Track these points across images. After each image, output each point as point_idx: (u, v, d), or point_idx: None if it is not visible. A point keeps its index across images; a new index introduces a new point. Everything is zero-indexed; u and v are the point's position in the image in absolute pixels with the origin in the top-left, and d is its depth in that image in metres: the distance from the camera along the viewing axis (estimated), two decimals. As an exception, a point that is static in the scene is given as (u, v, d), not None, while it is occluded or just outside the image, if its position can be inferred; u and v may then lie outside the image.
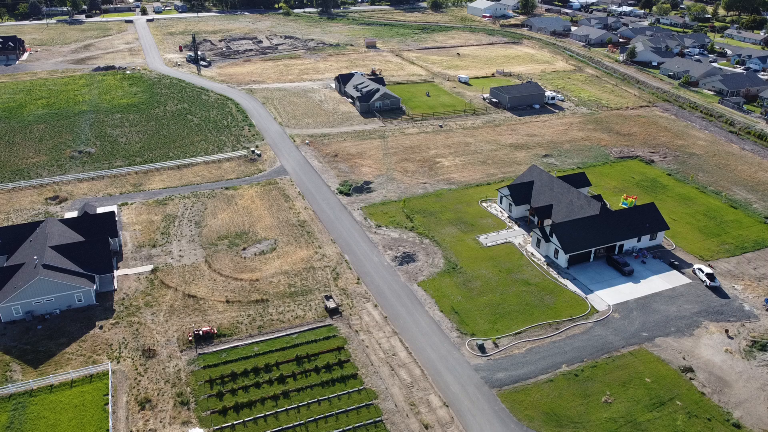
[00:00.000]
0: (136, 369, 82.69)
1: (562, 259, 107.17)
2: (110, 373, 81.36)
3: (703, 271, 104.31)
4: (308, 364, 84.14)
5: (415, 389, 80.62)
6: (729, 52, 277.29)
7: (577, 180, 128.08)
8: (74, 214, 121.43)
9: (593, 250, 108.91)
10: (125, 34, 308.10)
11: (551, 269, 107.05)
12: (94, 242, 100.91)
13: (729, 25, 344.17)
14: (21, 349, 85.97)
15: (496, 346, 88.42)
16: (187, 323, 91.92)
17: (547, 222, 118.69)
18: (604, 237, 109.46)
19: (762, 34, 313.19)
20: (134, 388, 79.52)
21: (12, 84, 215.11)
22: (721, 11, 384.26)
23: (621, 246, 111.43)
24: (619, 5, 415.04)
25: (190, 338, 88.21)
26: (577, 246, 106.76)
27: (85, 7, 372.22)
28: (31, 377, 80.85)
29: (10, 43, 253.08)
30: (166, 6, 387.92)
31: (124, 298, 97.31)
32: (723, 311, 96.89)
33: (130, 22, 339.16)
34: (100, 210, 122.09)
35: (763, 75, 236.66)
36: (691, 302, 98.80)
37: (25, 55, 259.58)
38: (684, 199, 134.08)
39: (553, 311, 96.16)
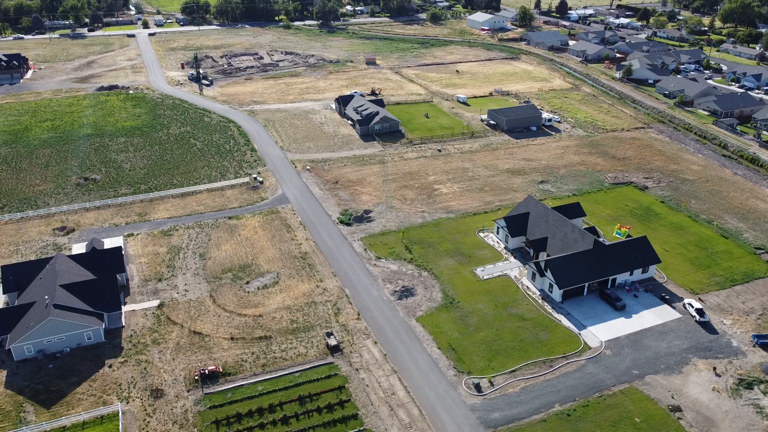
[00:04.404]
0: (145, 410, 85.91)
1: (557, 293, 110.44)
2: (120, 414, 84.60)
3: (693, 306, 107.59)
4: (310, 404, 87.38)
5: (413, 430, 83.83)
6: (724, 68, 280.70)
7: (572, 210, 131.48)
8: (82, 246, 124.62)
9: (587, 284, 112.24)
10: (127, 49, 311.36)
11: (546, 303, 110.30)
12: (103, 280, 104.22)
13: (725, 38, 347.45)
14: (33, 389, 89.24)
15: (492, 384, 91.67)
16: (194, 361, 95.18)
17: (543, 255, 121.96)
18: (598, 271, 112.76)
19: (757, 48, 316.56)
20: (143, 429, 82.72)
21: (17, 105, 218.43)
22: (718, 23, 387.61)
23: (614, 280, 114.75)
24: (617, 17, 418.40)
25: (196, 377, 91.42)
26: (570, 281, 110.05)
27: (87, 20, 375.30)
28: (44, 419, 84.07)
29: (14, 62, 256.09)
30: (167, 19, 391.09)
31: (131, 336, 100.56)
32: (711, 347, 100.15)
33: (132, 36, 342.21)
34: (107, 242, 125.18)
35: (757, 93, 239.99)
36: (680, 338, 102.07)
37: (29, 73, 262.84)
38: (676, 228, 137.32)
39: (547, 348, 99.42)
